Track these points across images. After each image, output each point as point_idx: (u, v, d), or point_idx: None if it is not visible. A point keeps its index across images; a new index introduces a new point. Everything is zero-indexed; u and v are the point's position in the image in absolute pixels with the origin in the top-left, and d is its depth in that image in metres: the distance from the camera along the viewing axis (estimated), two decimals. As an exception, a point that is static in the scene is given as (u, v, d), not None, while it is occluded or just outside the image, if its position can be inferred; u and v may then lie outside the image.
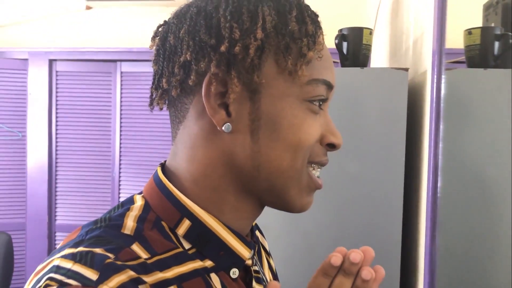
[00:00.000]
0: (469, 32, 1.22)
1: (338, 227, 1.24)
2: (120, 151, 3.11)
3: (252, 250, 0.55)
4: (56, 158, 3.15)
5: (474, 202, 1.12)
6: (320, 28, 0.53)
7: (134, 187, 3.10)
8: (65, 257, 0.43)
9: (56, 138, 3.15)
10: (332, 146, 0.54)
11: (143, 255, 0.46)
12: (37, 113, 3.11)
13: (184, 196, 0.51)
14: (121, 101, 3.09)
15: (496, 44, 1.21)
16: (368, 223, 1.22)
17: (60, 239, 3.17)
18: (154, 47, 0.55)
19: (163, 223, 0.50)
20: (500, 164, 1.10)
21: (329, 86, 0.53)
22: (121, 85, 3.10)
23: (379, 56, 1.86)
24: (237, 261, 0.53)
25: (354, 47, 1.23)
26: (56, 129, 3.14)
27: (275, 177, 0.51)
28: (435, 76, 0.96)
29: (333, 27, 2.73)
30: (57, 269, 0.42)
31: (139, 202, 0.52)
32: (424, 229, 1.04)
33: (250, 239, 0.58)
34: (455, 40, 1.21)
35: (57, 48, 3.08)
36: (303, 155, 0.52)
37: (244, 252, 0.53)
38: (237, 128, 0.50)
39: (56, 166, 3.15)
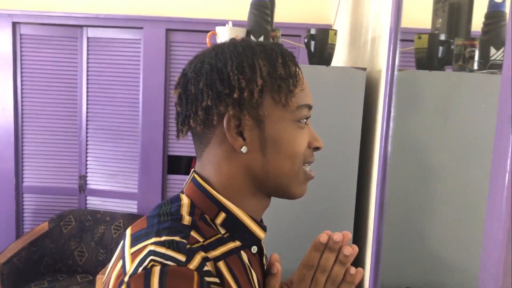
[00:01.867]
0: (419, 36, 1.41)
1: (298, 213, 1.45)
2: (87, 116, 3.17)
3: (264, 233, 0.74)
4: (23, 122, 3.18)
5: (419, 189, 1.34)
6: (297, 66, 0.72)
7: (101, 152, 3.20)
8: (156, 244, 0.59)
9: (22, 101, 3.17)
10: (316, 149, 0.75)
11: (200, 239, 0.62)
12: (1, 76, 3.11)
13: (221, 196, 0.69)
14: (87, 67, 3.13)
15: (440, 48, 1.41)
16: (325, 208, 1.42)
17: (28, 201, 3.25)
18: (177, 93, 0.73)
19: (205, 215, 0.68)
20: (441, 156, 1.32)
21: (310, 107, 0.73)
22: (88, 50, 3.13)
23: (339, 54, 2.02)
24: (256, 240, 0.72)
25: (321, 46, 1.39)
26: (22, 93, 3.16)
27: (280, 178, 0.71)
28: (389, 76, 1.14)
29: (298, 25, 2.85)
30: (155, 253, 0.58)
31: (185, 200, 0.69)
32: (374, 207, 1.25)
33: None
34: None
35: (21, 11, 3.05)
36: (299, 160, 0.71)
37: (261, 233, 0.72)
38: (251, 148, 0.69)
39: (22, 130, 3.19)
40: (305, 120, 0.71)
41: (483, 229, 0.62)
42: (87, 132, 3.19)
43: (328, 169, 1.42)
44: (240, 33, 1.38)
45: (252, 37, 1.48)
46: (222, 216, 0.68)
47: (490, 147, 0.60)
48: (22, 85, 3.15)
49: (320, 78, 1.38)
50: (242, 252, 0.69)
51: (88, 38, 3.12)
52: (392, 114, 1.15)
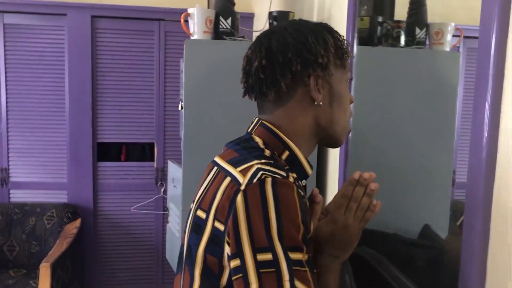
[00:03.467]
0: (361, 18, 1.70)
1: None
2: (7, 106, 3.05)
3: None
4: None
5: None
6: (348, 43, 0.93)
7: (24, 143, 3.10)
8: (261, 163, 0.78)
9: None
10: (351, 103, 0.95)
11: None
12: None
13: (286, 137, 0.88)
14: (5, 55, 3.01)
15: (379, 28, 1.71)
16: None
17: None
18: (259, 63, 0.87)
19: (274, 152, 0.86)
20: (381, 113, 1.62)
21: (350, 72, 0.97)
22: (4, 38, 3.00)
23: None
24: (306, 175, 0.91)
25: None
26: None
27: (338, 127, 0.90)
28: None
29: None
30: (264, 170, 0.76)
31: (258, 139, 0.87)
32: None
33: None
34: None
35: None
36: (350, 113, 0.93)
37: (309, 170, 0.91)
38: (323, 102, 0.88)
39: None
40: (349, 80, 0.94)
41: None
42: (7, 123, 3.06)
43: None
44: (210, 14, 1.54)
45: (221, 18, 1.65)
46: (286, 153, 0.87)
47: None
48: None
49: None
50: (299, 182, 0.86)
51: (4, 24, 2.99)
52: (353, 86, 1.41)
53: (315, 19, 1.76)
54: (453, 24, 1.64)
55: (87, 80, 3.07)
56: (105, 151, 3.27)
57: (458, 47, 1.55)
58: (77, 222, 3.00)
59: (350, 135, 1.47)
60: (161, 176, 3.21)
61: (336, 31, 0.91)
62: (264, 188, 0.73)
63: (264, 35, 0.90)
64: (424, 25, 1.71)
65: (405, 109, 1.67)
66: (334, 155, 1.73)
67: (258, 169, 0.76)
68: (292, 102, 0.88)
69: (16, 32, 3.01)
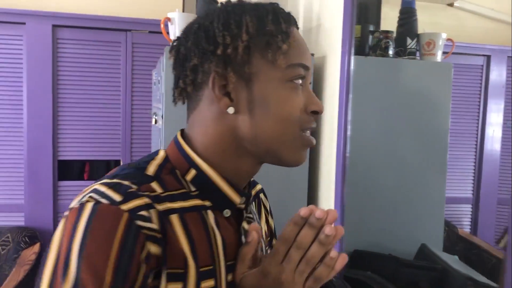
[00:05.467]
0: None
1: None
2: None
3: (244, 198, 0.71)
4: None
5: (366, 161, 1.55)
6: (292, 24, 0.70)
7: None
8: (102, 184, 0.61)
9: None
10: (315, 113, 0.70)
11: (159, 190, 0.64)
12: None
13: (192, 152, 0.69)
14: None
15: (370, 37, 1.64)
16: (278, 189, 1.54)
17: None
18: (172, 57, 0.72)
19: (176, 171, 0.68)
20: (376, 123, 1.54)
21: (305, 67, 0.69)
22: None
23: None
24: (230, 204, 0.70)
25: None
26: None
27: (270, 143, 0.68)
28: (346, 62, 1.31)
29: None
30: (96, 191, 0.60)
31: (162, 154, 0.70)
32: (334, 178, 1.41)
33: (247, 190, 0.75)
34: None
35: None
36: (292, 124, 0.68)
37: (236, 198, 0.70)
38: (238, 109, 0.67)
39: None
40: (300, 81, 0.69)
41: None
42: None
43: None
44: (191, 18, 1.41)
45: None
46: (192, 173, 0.68)
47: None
48: None
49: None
50: (209, 211, 0.68)
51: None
52: (350, 97, 1.32)
53: (301, 24, 1.67)
54: (444, 34, 1.60)
55: (47, 93, 2.86)
56: (67, 169, 3.05)
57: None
58: (36, 247, 2.75)
59: (347, 151, 1.38)
60: (128, 195, 3.01)
61: (278, 13, 0.69)
62: (80, 215, 0.57)
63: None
64: (415, 35, 1.65)
65: (399, 123, 1.60)
66: (327, 174, 1.63)
67: (92, 190, 0.61)
68: (202, 106, 0.70)
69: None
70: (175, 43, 0.72)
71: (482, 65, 1.45)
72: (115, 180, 0.61)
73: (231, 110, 0.67)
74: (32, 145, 2.87)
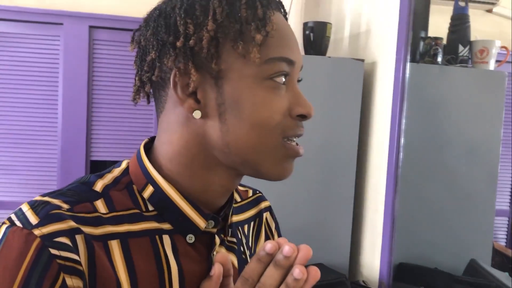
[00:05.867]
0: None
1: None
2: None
3: (212, 222, 0.60)
4: None
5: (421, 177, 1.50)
6: (272, 8, 0.57)
7: (8, 159, 2.88)
8: (28, 202, 0.53)
9: None
10: (303, 117, 0.58)
11: (102, 210, 0.55)
12: None
13: (152, 166, 0.58)
14: (-6, 64, 2.80)
15: (421, 43, 1.59)
16: (323, 200, 1.50)
17: None
18: (134, 50, 0.62)
19: (134, 186, 0.59)
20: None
21: (290, 62, 0.56)
22: (-6, 46, 2.80)
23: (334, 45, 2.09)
24: (194, 228, 0.58)
25: (318, 39, 1.48)
26: None
27: (245, 153, 0.56)
28: (401, 69, 1.26)
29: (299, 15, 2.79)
30: (18, 211, 0.52)
31: (123, 165, 0.62)
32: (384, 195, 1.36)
33: (226, 209, 0.63)
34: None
35: None
36: (271, 131, 0.55)
37: (200, 221, 0.58)
38: (206, 113, 0.56)
39: None
40: (283, 78, 0.56)
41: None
42: (-7, 138, 2.84)
43: (326, 160, 1.50)
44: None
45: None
46: (149, 189, 0.58)
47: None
48: None
49: (317, 68, 1.46)
50: (166, 236, 0.58)
51: (-5, 32, 2.79)
52: (405, 105, 1.28)
53: (348, 28, 1.63)
54: (498, 42, 1.54)
55: (82, 94, 2.88)
56: (99, 170, 3.04)
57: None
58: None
59: (401, 158, 1.34)
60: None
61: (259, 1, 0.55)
62: None
63: None
64: (468, 42, 1.60)
65: (449, 132, 1.54)
66: (375, 185, 1.58)
67: (16, 210, 0.53)
68: (168, 109, 0.59)
69: (6, 41, 2.81)
70: (136, 33, 0.61)
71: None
72: (44, 198, 0.53)
73: (197, 114, 0.55)
74: (65, 146, 2.89)
